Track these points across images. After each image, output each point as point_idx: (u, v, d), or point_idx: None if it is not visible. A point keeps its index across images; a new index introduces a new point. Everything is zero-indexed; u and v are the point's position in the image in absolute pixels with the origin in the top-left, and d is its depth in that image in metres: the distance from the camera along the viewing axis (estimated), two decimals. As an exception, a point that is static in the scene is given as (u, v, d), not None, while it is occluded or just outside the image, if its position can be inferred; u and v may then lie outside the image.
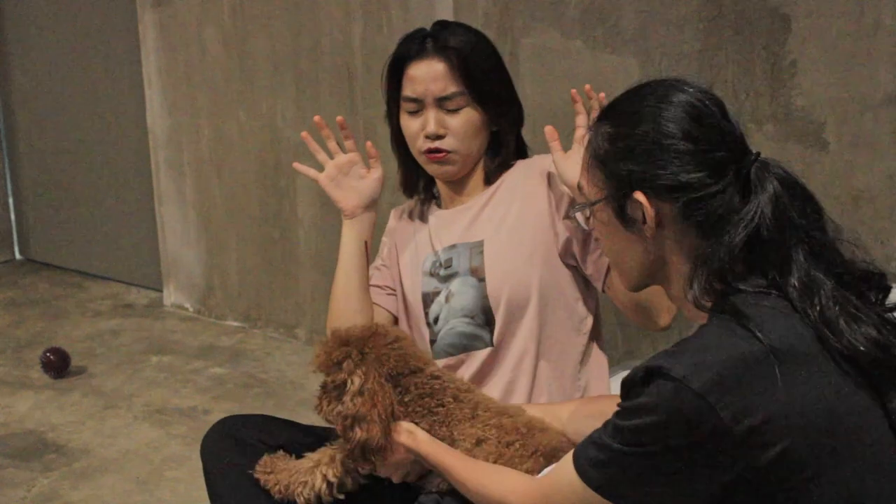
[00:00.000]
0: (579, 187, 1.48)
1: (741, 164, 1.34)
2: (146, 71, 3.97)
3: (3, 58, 4.65)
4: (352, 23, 3.32)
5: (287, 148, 3.61)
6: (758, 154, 1.35)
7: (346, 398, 1.69)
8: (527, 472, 1.67)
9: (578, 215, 1.48)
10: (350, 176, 2.05)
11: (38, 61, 4.51)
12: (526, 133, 2.14)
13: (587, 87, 1.91)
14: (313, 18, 3.42)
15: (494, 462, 1.70)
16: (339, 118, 2.07)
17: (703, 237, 1.34)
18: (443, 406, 1.76)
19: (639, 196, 1.35)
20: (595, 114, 1.87)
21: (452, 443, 1.72)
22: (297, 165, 2.11)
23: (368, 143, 2.03)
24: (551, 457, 1.69)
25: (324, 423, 1.82)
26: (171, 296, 4.16)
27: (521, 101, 2.07)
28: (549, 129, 1.93)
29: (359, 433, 1.67)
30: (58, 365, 3.46)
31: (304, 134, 2.09)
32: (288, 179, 3.63)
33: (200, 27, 3.75)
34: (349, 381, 1.69)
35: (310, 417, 3.10)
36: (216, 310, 4.01)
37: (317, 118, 2.07)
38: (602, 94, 1.89)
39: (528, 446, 1.70)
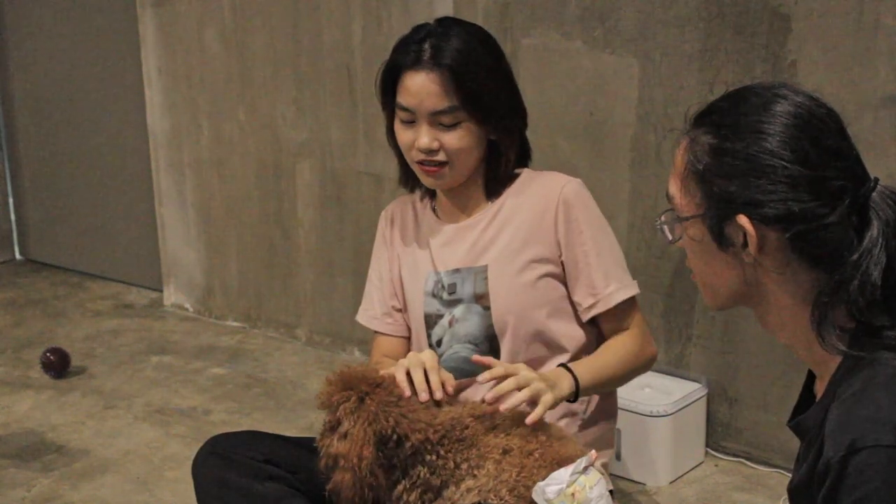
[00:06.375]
0: (668, 196, 1.35)
1: (859, 191, 1.23)
2: (146, 71, 3.96)
3: (3, 58, 4.65)
4: (352, 22, 3.32)
5: (287, 148, 3.61)
6: (876, 180, 1.25)
7: (334, 437, 1.71)
8: (543, 479, 1.68)
9: (664, 227, 1.36)
10: None
11: (38, 61, 4.50)
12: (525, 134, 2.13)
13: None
14: (313, 18, 3.42)
15: (518, 473, 1.69)
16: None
17: (814, 269, 1.25)
18: (465, 432, 1.76)
19: (742, 220, 1.24)
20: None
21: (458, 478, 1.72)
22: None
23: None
24: (564, 463, 1.70)
25: (313, 435, 1.83)
26: (171, 296, 4.16)
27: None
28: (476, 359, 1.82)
29: (337, 476, 1.69)
30: (58, 365, 3.45)
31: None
32: (288, 180, 3.63)
33: (200, 27, 3.75)
34: (341, 423, 1.70)
35: (308, 417, 3.11)
36: (216, 310, 4.01)
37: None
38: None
39: (546, 456, 1.72)
